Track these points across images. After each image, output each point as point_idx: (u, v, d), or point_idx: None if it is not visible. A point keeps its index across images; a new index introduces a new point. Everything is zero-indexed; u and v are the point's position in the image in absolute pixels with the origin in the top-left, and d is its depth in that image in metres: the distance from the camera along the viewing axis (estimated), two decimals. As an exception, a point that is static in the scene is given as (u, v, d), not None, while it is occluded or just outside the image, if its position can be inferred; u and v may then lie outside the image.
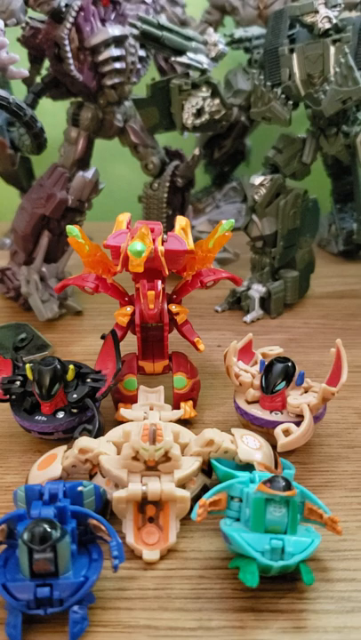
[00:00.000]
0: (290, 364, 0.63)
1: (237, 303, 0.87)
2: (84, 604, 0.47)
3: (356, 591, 0.50)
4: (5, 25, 0.74)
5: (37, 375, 0.62)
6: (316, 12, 0.74)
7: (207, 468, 0.57)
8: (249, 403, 0.64)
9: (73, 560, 0.48)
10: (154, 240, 0.63)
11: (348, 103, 0.74)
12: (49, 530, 0.47)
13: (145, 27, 0.81)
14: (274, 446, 0.59)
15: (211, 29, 0.89)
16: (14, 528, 0.49)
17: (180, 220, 0.70)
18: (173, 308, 0.67)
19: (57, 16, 0.80)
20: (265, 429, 0.62)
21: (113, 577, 0.50)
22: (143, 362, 0.67)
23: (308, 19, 0.75)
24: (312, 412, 0.61)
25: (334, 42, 0.75)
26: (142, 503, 0.53)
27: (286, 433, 0.60)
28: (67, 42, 0.80)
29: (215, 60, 0.86)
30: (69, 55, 0.81)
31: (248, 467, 0.56)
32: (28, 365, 0.63)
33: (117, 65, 0.84)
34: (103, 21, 0.83)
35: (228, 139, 1.05)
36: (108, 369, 0.64)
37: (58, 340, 0.81)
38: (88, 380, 0.63)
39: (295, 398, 0.62)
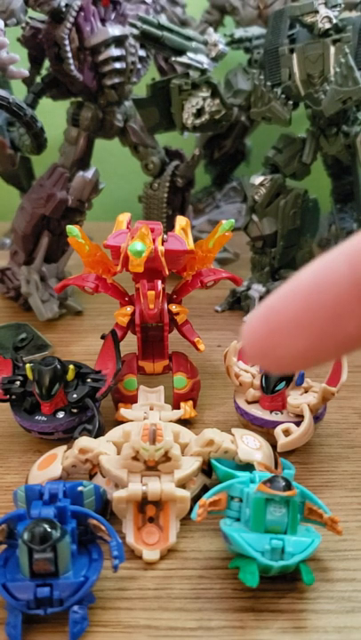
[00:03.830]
0: (290, 364, 0.63)
1: (237, 303, 0.87)
2: (84, 603, 0.47)
3: (356, 591, 0.50)
4: (5, 25, 0.74)
5: (37, 375, 0.62)
6: (317, 12, 0.74)
7: (207, 468, 0.57)
8: (249, 403, 0.64)
9: (73, 560, 0.48)
10: (154, 240, 0.63)
11: (348, 103, 0.74)
12: (49, 530, 0.47)
13: (145, 27, 0.81)
14: (274, 446, 0.59)
15: (211, 29, 0.88)
16: (14, 528, 0.49)
17: (180, 220, 0.70)
18: (173, 307, 0.67)
19: (57, 16, 0.80)
20: (265, 429, 0.62)
21: (113, 577, 0.50)
22: (143, 362, 0.67)
23: (308, 19, 0.75)
24: (312, 412, 0.61)
25: (334, 42, 0.75)
26: (142, 503, 0.53)
27: (286, 433, 0.60)
28: (67, 42, 0.80)
29: (215, 59, 0.86)
30: (69, 55, 0.81)
31: (248, 467, 0.56)
32: (28, 365, 0.63)
33: (117, 65, 0.84)
34: (103, 21, 0.83)
35: (228, 139, 1.05)
36: (108, 369, 0.64)
37: (58, 339, 0.81)
38: (88, 380, 0.63)
39: (295, 398, 0.62)
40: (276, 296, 0.22)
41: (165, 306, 0.66)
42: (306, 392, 0.63)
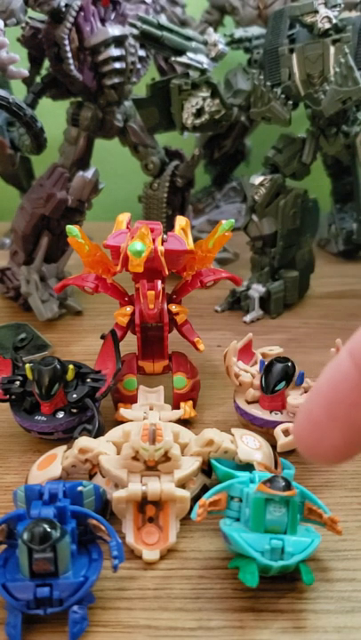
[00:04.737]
0: (290, 364, 0.63)
1: (237, 303, 0.87)
2: (83, 603, 0.47)
3: (356, 591, 0.50)
4: (5, 25, 0.74)
5: (37, 375, 0.62)
6: (316, 12, 0.74)
7: (207, 468, 0.57)
8: (249, 403, 0.64)
9: (73, 560, 0.48)
10: (154, 240, 0.63)
11: (348, 103, 0.74)
12: (49, 530, 0.47)
13: (145, 27, 0.81)
14: (274, 446, 0.59)
15: (211, 29, 0.88)
16: (14, 528, 0.49)
17: (180, 220, 0.70)
18: (173, 307, 0.67)
19: (57, 16, 0.80)
20: (265, 429, 0.62)
21: (113, 577, 0.50)
22: (143, 362, 0.67)
23: (308, 19, 0.75)
24: (312, 412, 0.61)
25: (334, 42, 0.75)
26: (142, 503, 0.53)
27: (286, 433, 0.60)
28: (67, 42, 0.80)
29: (215, 60, 0.86)
30: (69, 55, 0.81)
31: (248, 467, 0.56)
32: (27, 365, 0.63)
33: (117, 65, 0.84)
34: (103, 21, 0.83)
35: (228, 139, 1.05)
36: (108, 369, 0.64)
37: (58, 339, 0.81)
38: (88, 380, 0.63)
39: (295, 398, 0.62)
40: (308, 399, 0.26)
41: (165, 306, 0.66)
42: (306, 392, 0.63)
